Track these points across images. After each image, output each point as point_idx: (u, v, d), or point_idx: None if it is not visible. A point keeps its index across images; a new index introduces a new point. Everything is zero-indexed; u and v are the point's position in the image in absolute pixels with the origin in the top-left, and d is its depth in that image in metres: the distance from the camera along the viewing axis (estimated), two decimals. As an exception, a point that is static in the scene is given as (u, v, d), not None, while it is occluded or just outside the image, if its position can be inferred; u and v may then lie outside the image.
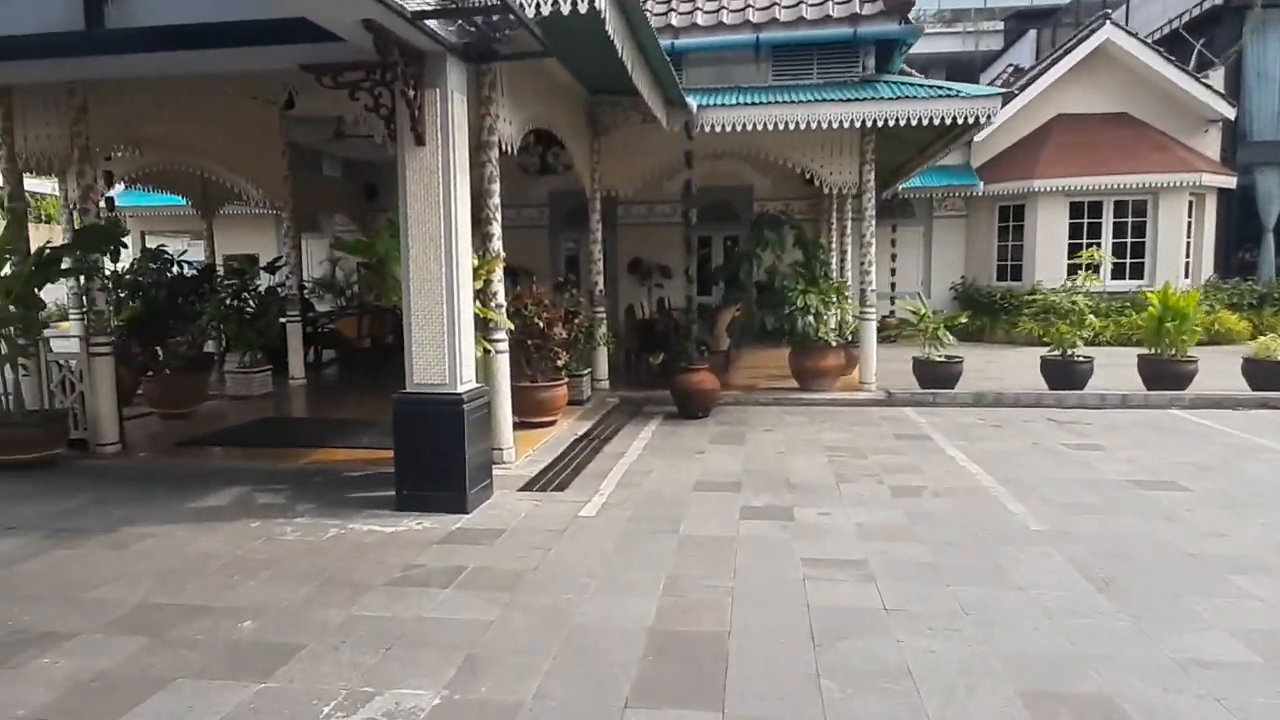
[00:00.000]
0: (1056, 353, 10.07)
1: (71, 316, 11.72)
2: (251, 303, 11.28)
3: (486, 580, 4.30)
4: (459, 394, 5.45)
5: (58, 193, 14.36)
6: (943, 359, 10.12)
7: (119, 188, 13.98)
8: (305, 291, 13.45)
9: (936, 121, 8.83)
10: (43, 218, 29.75)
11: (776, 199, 15.68)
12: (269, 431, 8.28)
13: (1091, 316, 10.30)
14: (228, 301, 10.92)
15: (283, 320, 11.19)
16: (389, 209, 15.69)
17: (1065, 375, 9.86)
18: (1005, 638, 3.58)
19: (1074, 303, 10.18)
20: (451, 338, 5.44)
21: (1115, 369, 10.60)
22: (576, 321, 8.67)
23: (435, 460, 5.43)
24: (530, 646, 3.53)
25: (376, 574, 4.39)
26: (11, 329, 6.99)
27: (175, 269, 10.62)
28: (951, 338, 10.11)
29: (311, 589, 4.19)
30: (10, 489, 6.32)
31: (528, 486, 6.19)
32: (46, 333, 7.70)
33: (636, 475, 6.51)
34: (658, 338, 11.57)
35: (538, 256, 15.13)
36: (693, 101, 8.93)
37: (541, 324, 7.95)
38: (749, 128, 9.08)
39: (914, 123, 8.84)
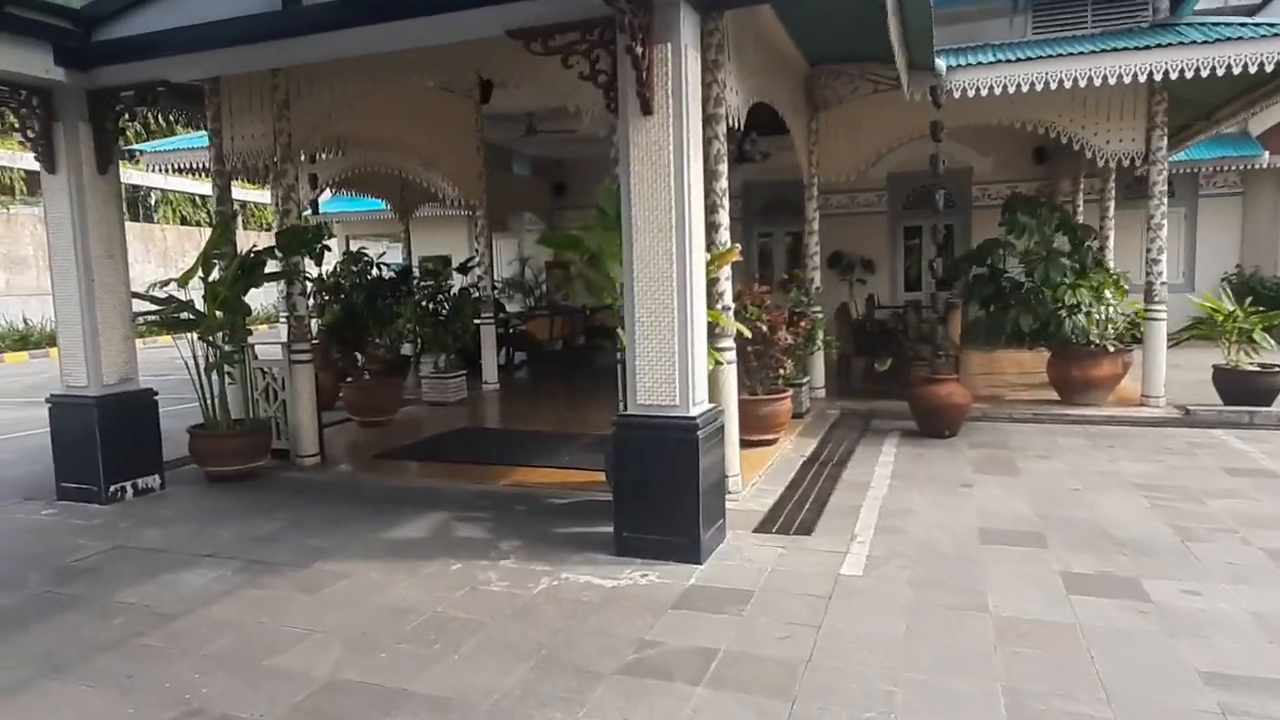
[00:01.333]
0: None
1: (282, 320, 11.98)
2: (445, 304, 10.96)
3: (748, 676, 3.24)
4: (692, 418, 4.44)
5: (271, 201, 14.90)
6: (1256, 368, 8.07)
7: (326, 195, 14.33)
8: (496, 292, 13.14)
9: (1270, 68, 6.89)
10: (266, 225, 32.29)
11: (999, 181, 13.85)
12: (465, 444, 7.71)
13: None
14: (423, 304, 10.66)
15: (476, 322, 10.80)
16: (577, 206, 15.37)
17: None
18: None
19: None
20: (684, 349, 4.42)
21: None
22: (802, 325, 7.49)
23: (663, 497, 4.44)
24: (841, 809, 2.44)
25: (603, 653, 3.45)
26: (220, 335, 6.78)
27: (374, 271, 10.44)
28: (1271, 340, 8.03)
29: (526, 671, 3.31)
30: (214, 503, 6.04)
31: (763, 526, 5.10)
32: (254, 339, 7.51)
33: (895, 515, 5.26)
34: (877, 340, 10.21)
35: (732, 251, 14.07)
36: (941, 62, 7.49)
37: (764, 328, 6.85)
38: (1009, 90, 7.50)
39: (1236, 70, 6.94)
